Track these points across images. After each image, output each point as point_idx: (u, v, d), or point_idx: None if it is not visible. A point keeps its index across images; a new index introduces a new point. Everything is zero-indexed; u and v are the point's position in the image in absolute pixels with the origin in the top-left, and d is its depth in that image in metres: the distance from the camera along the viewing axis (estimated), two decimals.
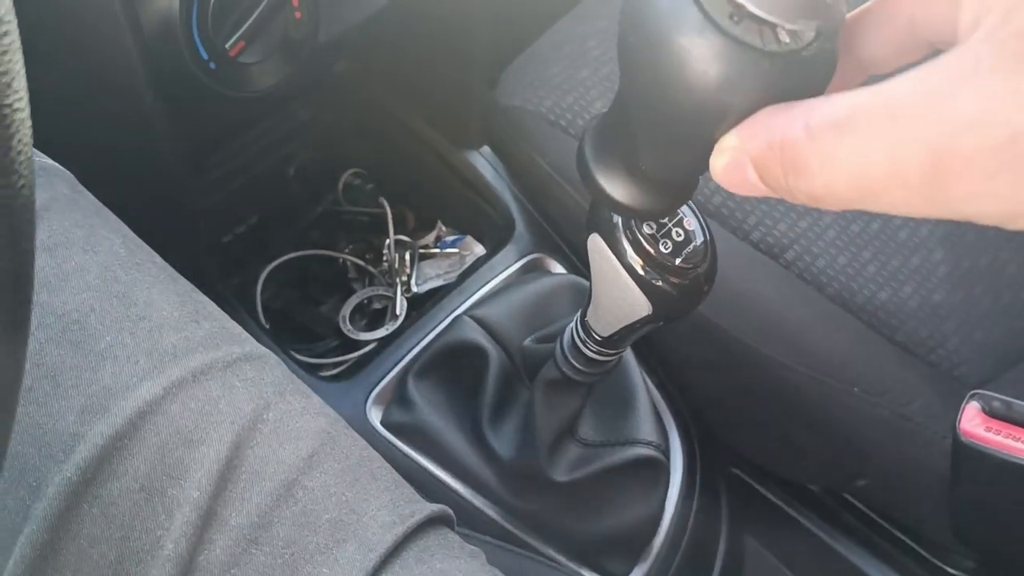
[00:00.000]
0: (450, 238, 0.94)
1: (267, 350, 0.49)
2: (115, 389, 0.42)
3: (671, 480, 0.76)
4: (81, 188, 0.52)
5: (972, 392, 0.65)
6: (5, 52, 0.25)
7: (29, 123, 0.27)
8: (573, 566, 0.72)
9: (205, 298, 0.50)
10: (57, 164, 0.52)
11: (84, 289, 0.45)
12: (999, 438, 0.63)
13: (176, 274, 0.51)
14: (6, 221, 0.26)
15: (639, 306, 0.52)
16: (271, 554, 0.41)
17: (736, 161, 0.28)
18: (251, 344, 0.48)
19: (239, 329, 0.49)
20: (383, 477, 0.47)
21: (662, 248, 0.50)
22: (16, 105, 0.26)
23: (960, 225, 0.85)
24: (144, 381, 0.43)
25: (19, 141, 0.26)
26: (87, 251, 0.46)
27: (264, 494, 0.42)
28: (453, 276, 0.90)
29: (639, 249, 0.50)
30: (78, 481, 0.40)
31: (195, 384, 0.44)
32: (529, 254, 0.86)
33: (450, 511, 0.49)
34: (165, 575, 0.39)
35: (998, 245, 0.85)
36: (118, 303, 0.45)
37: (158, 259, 0.51)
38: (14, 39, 0.26)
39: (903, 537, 0.86)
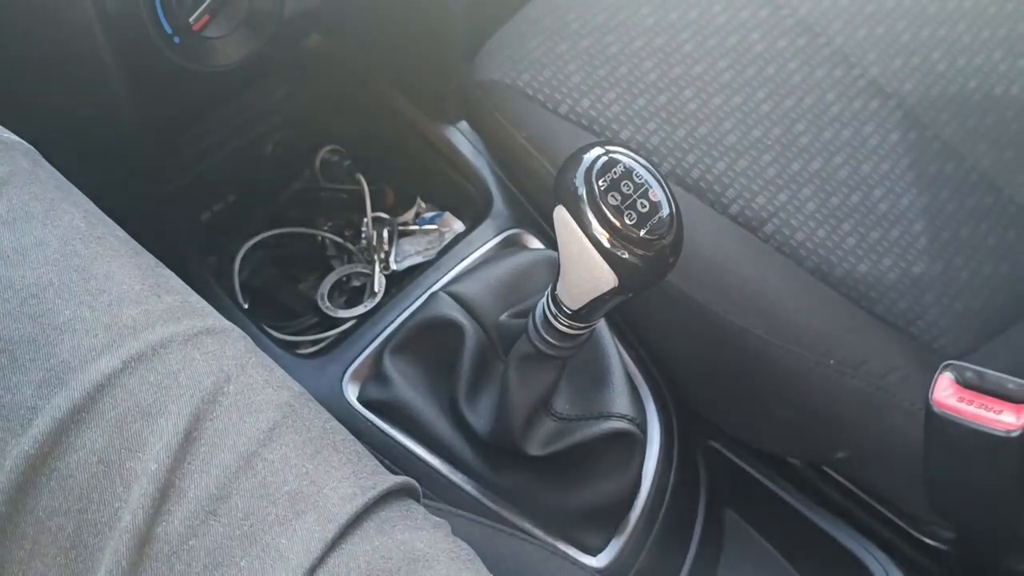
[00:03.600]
0: (429, 214, 0.94)
1: (231, 324, 0.49)
2: (73, 363, 0.42)
3: (648, 453, 0.76)
4: (43, 162, 0.51)
5: (945, 363, 0.65)
6: None
7: None
8: (550, 539, 0.73)
9: (169, 272, 0.50)
10: (18, 138, 0.51)
11: (43, 263, 0.45)
12: (971, 408, 0.63)
13: (139, 248, 0.51)
14: None
15: (605, 278, 0.52)
16: (229, 525, 0.41)
17: None
18: (214, 318, 0.48)
19: (203, 303, 0.49)
20: (345, 449, 0.47)
21: (627, 220, 0.50)
22: None
23: (939, 196, 0.84)
24: (103, 355, 0.42)
25: None
26: (46, 225, 0.46)
27: (223, 466, 0.42)
28: (433, 253, 0.89)
29: (604, 221, 0.50)
30: (35, 454, 0.40)
31: (154, 357, 0.43)
32: (507, 229, 0.86)
33: (415, 483, 0.49)
34: (123, 546, 0.39)
35: (979, 217, 0.85)
36: (77, 276, 0.45)
37: (120, 232, 0.50)
38: None
39: (882, 509, 0.86)
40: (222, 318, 0.49)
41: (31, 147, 0.52)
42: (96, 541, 0.40)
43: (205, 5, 0.59)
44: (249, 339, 0.49)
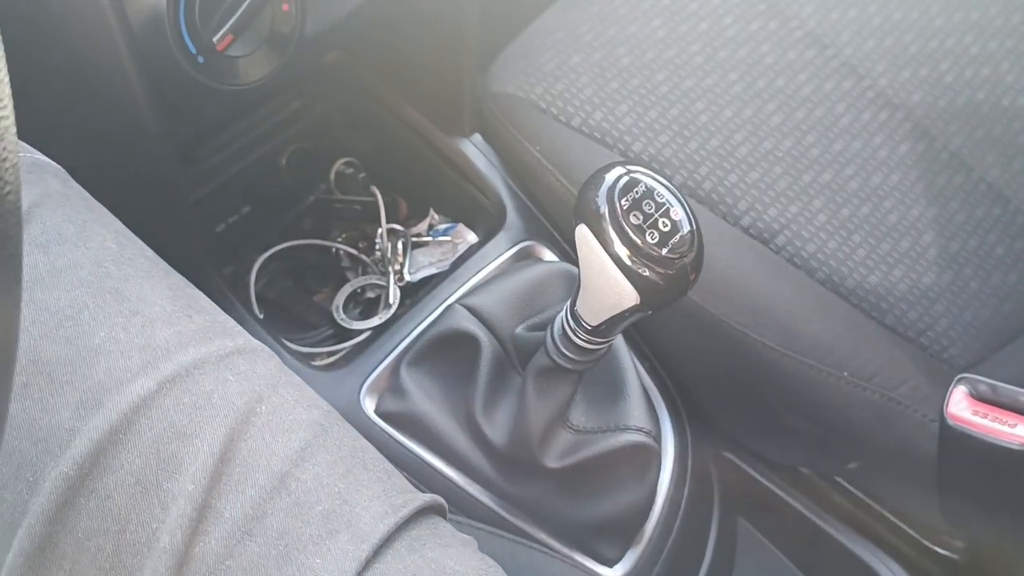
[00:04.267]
0: (442, 226, 0.95)
1: (260, 343, 0.50)
2: (109, 384, 0.43)
3: (663, 465, 0.77)
4: (73, 183, 0.52)
5: (959, 376, 0.65)
6: None
7: (14, 129, 0.27)
8: (567, 551, 0.73)
9: (198, 292, 0.51)
10: (49, 160, 0.52)
11: (77, 285, 0.45)
12: (986, 422, 0.64)
13: (168, 268, 0.51)
14: None
15: (627, 295, 0.53)
16: (265, 545, 0.41)
17: None
18: (244, 338, 0.49)
19: (232, 322, 0.50)
20: (375, 467, 0.47)
21: (648, 239, 0.51)
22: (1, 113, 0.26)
23: (948, 208, 0.85)
24: (138, 376, 0.43)
25: (3, 148, 0.27)
26: (79, 247, 0.47)
27: (258, 486, 0.43)
28: (446, 264, 0.90)
29: (626, 240, 0.51)
30: (74, 476, 0.41)
31: (188, 379, 0.44)
32: (521, 242, 0.87)
33: (442, 500, 0.49)
34: (161, 567, 0.40)
35: (987, 227, 0.86)
36: (111, 298, 0.45)
37: (149, 253, 0.51)
38: None
39: (893, 519, 0.87)
40: (250, 337, 0.50)
41: (60, 168, 0.52)
42: (135, 562, 0.40)
43: (229, 25, 0.60)
44: (277, 358, 0.50)
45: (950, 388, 0.66)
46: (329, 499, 0.44)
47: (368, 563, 0.42)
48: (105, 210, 0.52)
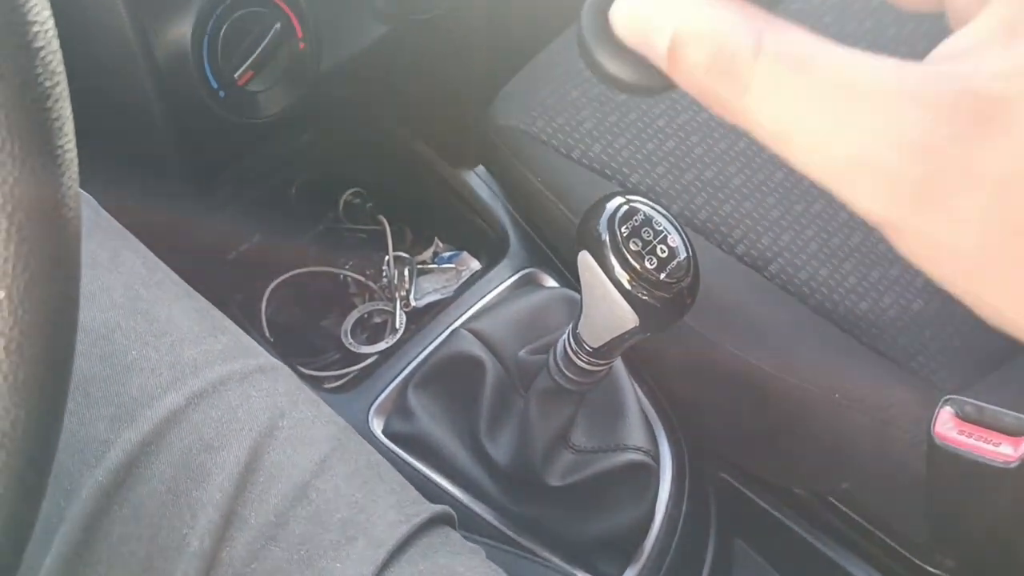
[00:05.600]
0: (447, 254, 0.98)
1: (279, 362, 0.52)
2: (141, 399, 0.45)
3: (661, 484, 0.79)
4: (103, 211, 0.55)
5: (946, 397, 0.68)
6: (57, 100, 0.29)
7: (76, 161, 0.30)
8: (567, 567, 0.75)
9: (220, 313, 0.54)
10: (80, 190, 0.55)
11: (110, 307, 0.48)
12: (972, 440, 0.66)
13: (192, 291, 0.54)
14: (62, 247, 0.29)
15: (627, 318, 0.55)
16: (288, 550, 0.44)
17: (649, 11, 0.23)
18: (265, 357, 0.52)
19: (253, 343, 0.53)
20: (389, 479, 0.50)
21: (647, 264, 0.54)
22: (67, 147, 0.29)
23: None
24: (168, 392, 0.46)
25: (69, 177, 0.30)
26: (111, 271, 0.50)
27: (280, 495, 0.45)
28: (451, 290, 0.93)
29: (626, 265, 0.54)
30: (109, 484, 0.43)
31: (215, 394, 0.47)
32: (523, 269, 0.89)
33: (451, 511, 0.52)
34: (192, 570, 0.43)
35: None
36: (142, 319, 0.48)
37: (175, 276, 0.54)
38: (64, 87, 0.29)
39: (886, 538, 0.89)
40: (270, 356, 0.53)
41: (91, 197, 0.55)
42: (166, 566, 0.43)
43: (249, 62, 0.63)
44: (296, 377, 0.52)
45: (937, 408, 0.68)
46: (347, 508, 0.46)
47: (384, 567, 0.45)
48: (133, 237, 0.55)
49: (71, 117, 0.29)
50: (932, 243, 0.21)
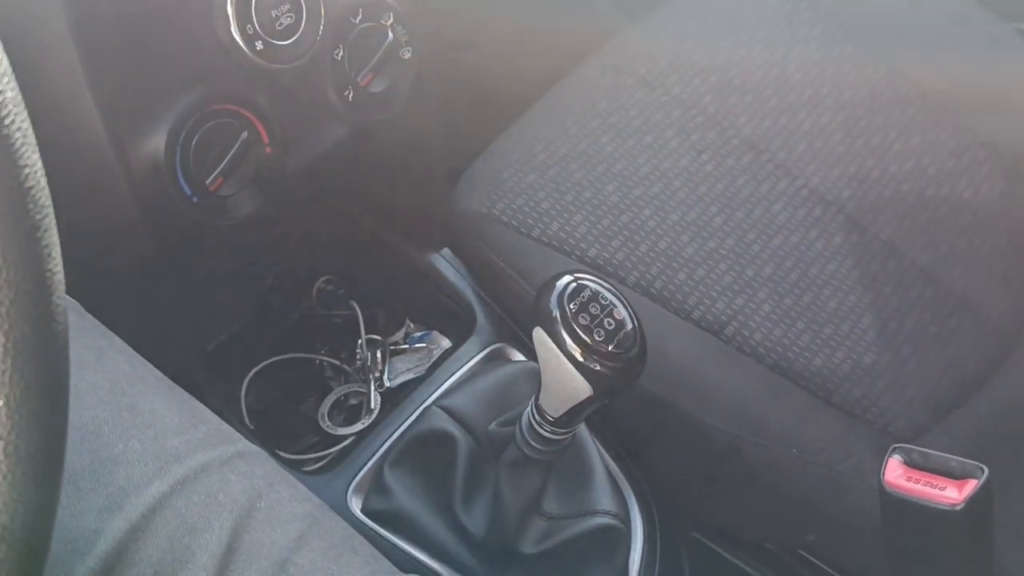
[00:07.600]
0: (418, 334, 1.01)
1: (257, 447, 0.56)
2: (128, 489, 0.49)
3: (632, 546, 0.81)
4: (87, 314, 0.59)
5: (894, 446, 0.71)
6: (47, 230, 0.33)
7: (63, 279, 0.34)
8: None
9: (200, 404, 0.57)
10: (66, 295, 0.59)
11: (97, 404, 0.52)
12: (919, 486, 0.69)
13: (173, 384, 0.58)
14: (52, 355, 0.33)
15: (581, 388, 0.59)
16: None
17: None
18: (243, 443, 0.55)
19: (231, 429, 0.56)
20: (363, 552, 0.53)
21: (596, 336, 0.58)
22: (55, 269, 0.33)
23: (883, 292, 0.92)
24: (153, 481, 0.49)
25: (57, 295, 0.33)
26: (98, 370, 0.54)
27: (260, 572, 0.48)
28: (423, 369, 0.96)
29: (576, 339, 0.58)
30: (100, 571, 0.46)
31: (196, 480, 0.50)
32: (490, 344, 0.93)
33: None
34: None
35: (921, 308, 0.92)
36: (127, 413, 0.52)
37: (156, 372, 0.58)
38: (51, 218, 0.33)
39: None
40: (248, 442, 0.56)
41: (75, 301, 0.59)
42: None
43: (219, 169, 0.67)
44: (273, 460, 0.56)
45: (885, 458, 0.72)
46: None
47: None
48: (116, 337, 0.58)
49: (58, 242, 0.33)
50: None
